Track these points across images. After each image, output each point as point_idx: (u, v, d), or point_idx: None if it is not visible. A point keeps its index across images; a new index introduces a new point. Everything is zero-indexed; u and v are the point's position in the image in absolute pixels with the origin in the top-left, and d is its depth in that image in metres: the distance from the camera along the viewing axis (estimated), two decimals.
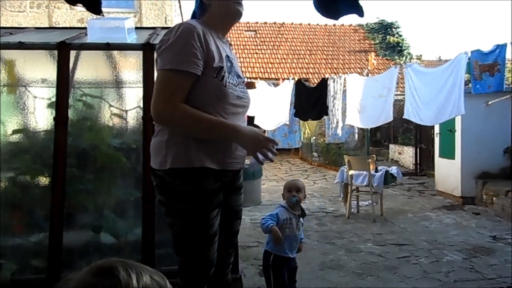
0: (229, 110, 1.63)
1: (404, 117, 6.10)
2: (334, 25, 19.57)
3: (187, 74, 1.51)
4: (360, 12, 1.96)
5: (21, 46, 2.68)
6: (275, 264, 2.64)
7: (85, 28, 3.17)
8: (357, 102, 6.91)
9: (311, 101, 7.64)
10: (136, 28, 3.24)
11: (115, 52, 2.84)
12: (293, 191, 2.70)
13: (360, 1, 1.94)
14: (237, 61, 1.79)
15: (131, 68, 2.91)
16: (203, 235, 1.61)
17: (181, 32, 1.54)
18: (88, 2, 2.40)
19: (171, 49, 1.53)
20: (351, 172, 5.76)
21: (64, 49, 2.67)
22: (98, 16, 2.67)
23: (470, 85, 5.68)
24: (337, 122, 7.43)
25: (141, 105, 2.72)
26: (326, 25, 19.48)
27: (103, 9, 2.48)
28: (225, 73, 1.61)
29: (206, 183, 1.58)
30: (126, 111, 2.85)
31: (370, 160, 5.64)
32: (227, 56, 1.68)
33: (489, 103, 6.27)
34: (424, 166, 9.64)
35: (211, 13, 1.71)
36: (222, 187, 1.67)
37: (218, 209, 1.66)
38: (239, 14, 1.73)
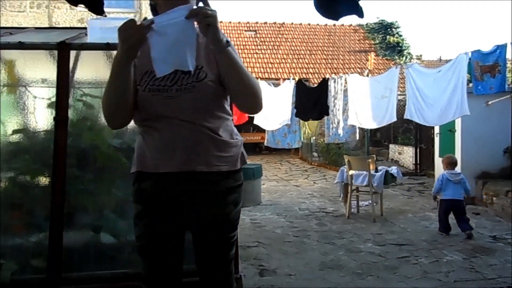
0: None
1: (406, 117, 6.08)
2: (334, 25, 19.57)
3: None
4: (360, 13, 1.95)
5: (21, 46, 2.68)
6: (442, 205, 4.81)
7: (85, 28, 3.17)
8: (359, 103, 6.90)
9: (312, 101, 7.63)
10: None
11: (115, 52, 2.83)
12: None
13: (360, 2, 1.94)
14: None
15: None
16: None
17: None
18: (90, 3, 2.40)
19: None
20: (351, 172, 5.76)
21: (64, 49, 2.66)
22: (98, 16, 2.67)
23: (470, 85, 5.68)
24: (338, 122, 7.43)
25: None
26: (326, 25, 19.47)
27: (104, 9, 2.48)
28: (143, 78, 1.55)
29: (143, 185, 1.54)
30: None
31: (370, 160, 5.64)
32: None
33: (489, 103, 6.27)
34: (424, 166, 9.64)
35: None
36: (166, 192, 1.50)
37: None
38: None
